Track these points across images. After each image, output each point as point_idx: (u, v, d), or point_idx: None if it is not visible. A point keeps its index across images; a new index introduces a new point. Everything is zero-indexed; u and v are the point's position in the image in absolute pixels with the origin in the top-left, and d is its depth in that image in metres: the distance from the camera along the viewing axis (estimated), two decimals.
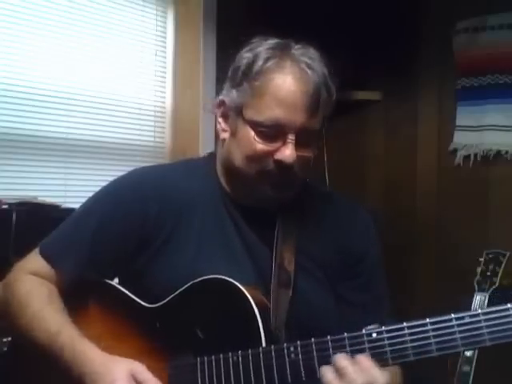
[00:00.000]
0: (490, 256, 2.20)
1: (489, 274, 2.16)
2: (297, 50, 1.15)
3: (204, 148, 2.42)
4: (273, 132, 1.11)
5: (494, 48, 2.56)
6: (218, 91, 1.23)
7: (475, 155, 2.62)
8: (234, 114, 1.17)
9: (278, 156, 1.12)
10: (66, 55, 2.15)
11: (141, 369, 1.04)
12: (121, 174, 1.28)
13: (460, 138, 2.66)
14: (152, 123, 2.48)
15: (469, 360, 2.04)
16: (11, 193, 1.90)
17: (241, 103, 1.14)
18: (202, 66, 2.47)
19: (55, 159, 2.14)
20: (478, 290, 2.15)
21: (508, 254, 2.19)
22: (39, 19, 2.07)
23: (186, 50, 2.51)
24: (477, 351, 2.03)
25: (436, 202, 2.75)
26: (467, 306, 2.11)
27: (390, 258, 2.62)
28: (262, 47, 1.15)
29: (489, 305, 2.10)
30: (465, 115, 2.64)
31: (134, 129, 2.40)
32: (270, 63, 1.12)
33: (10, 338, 1.26)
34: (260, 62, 1.12)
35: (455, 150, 2.67)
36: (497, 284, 2.13)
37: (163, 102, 2.52)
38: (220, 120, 1.21)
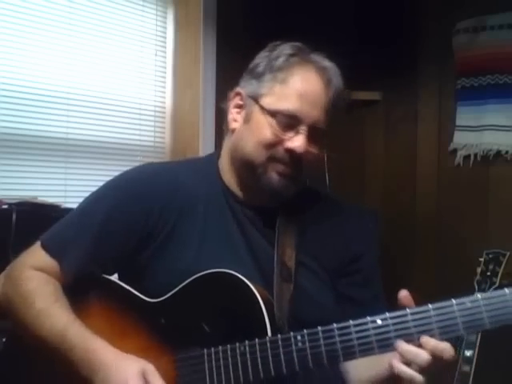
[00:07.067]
0: (490, 256, 2.20)
1: (489, 274, 2.16)
2: (316, 55, 1.22)
3: (204, 148, 2.42)
4: (288, 122, 1.16)
5: (494, 48, 2.56)
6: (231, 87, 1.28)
7: (475, 155, 2.62)
8: (250, 102, 1.21)
9: (289, 144, 1.16)
10: (66, 55, 2.15)
11: (151, 369, 1.04)
12: None
13: (460, 138, 2.66)
14: (152, 123, 2.48)
15: (469, 360, 2.04)
16: (11, 193, 1.90)
17: (260, 92, 1.19)
18: (201, 66, 2.47)
19: (55, 159, 2.14)
20: (478, 290, 2.14)
21: (508, 253, 2.19)
22: (39, 19, 2.07)
23: (186, 50, 2.51)
24: (477, 351, 2.03)
25: (436, 202, 2.75)
26: None
27: (390, 257, 2.64)
28: (282, 47, 1.22)
29: None
30: (465, 115, 2.65)
31: (134, 129, 2.40)
32: (294, 59, 1.19)
33: (4, 340, 1.24)
34: (283, 58, 1.19)
35: (455, 150, 2.67)
36: (497, 284, 2.13)
37: (163, 102, 2.52)
38: (233, 111, 1.25)
